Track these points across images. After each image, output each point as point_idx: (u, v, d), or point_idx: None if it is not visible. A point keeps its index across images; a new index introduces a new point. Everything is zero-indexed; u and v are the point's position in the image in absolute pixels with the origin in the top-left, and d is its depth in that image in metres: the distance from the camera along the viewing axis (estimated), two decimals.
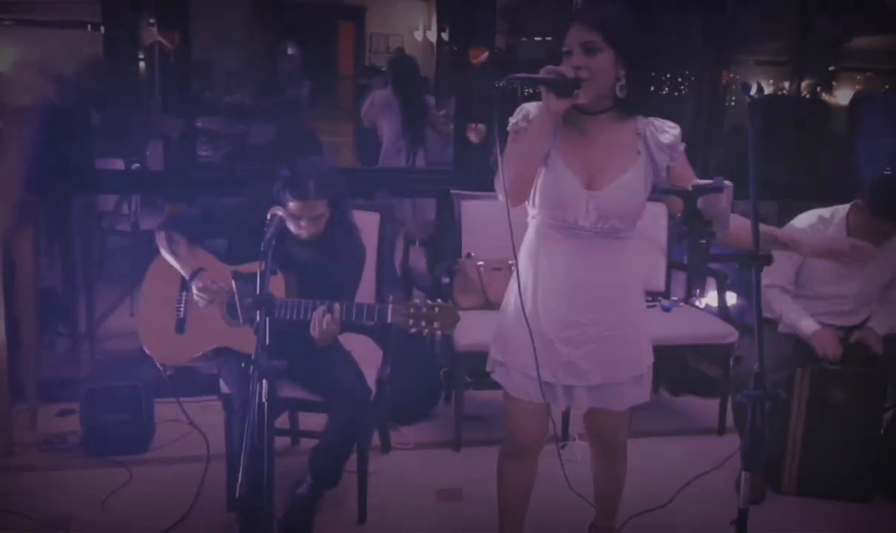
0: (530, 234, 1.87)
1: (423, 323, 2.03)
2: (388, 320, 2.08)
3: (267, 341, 1.66)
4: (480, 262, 3.06)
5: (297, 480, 2.37)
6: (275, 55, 6.75)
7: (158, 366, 2.41)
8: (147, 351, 2.39)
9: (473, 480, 2.70)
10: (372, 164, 5.17)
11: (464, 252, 3.12)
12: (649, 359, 1.92)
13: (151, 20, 6.55)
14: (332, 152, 6.52)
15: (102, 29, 6.55)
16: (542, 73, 1.65)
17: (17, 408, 2.91)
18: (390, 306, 2.08)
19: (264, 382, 1.63)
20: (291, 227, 2.22)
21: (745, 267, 1.51)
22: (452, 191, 3.22)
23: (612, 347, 1.83)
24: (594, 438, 2.10)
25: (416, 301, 2.08)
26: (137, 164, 4.75)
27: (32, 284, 2.95)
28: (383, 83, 5.20)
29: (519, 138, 1.77)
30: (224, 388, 2.40)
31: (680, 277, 3.50)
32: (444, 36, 7.89)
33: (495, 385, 1.95)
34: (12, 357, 2.81)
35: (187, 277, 2.32)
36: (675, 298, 3.33)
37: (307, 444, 2.63)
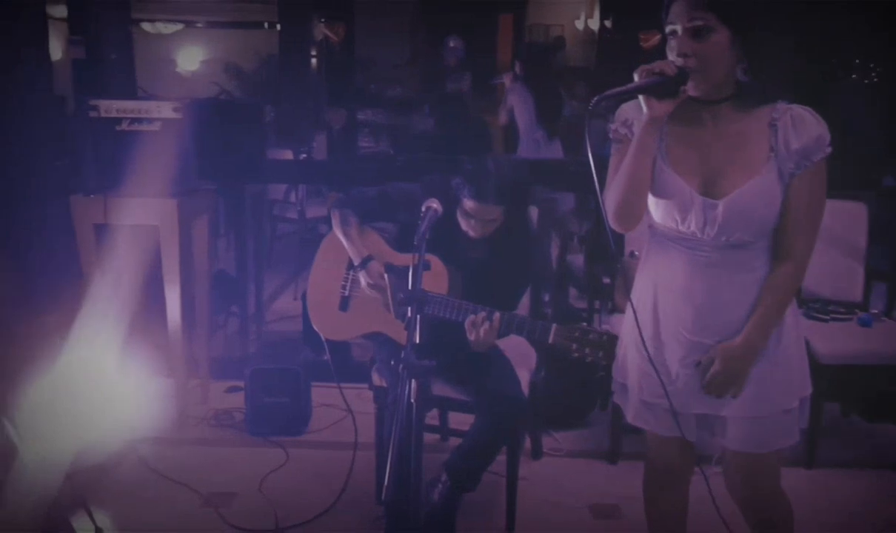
0: (649, 242, 1.62)
1: (588, 350, 1.89)
2: (549, 341, 1.95)
3: (417, 339, 1.60)
4: None
5: (430, 480, 2.27)
6: (437, 48, 6.86)
7: (322, 340, 2.39)
8: (312, 322, 2.42)
9: (631, 497, 2.48)
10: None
11: (627, 250, 2.90)
12: (803, 390, 1.57)
13: (323, 19, 6.87)
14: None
15: (279, 27, 6.98)
16: (637, 79, 1.38)
17: (192, 383, 3.11)
18: (553, 327, 1.94)
19: (413, 381, 1.57)
20: (461, 222, 2.15)
21: None
22: None
23: (749, 375, 1.52)
24: (742, 504, 1.70)
25: (585, 325, 1.94)
26: (304, 155, 4.97)
27: (208, 266, 3.14)
28: (515, 76, 5.20)
29: (621, 150, 1.52)
30: (377, 380, 2.39)
31: (880, 288, 3.05)
32: (608, 23, 7.59)
33: None
34: (188, 335, 3.00)
35: (356, 264, 2.31)
36: (874, 311, 2.90)
37: (456, 442, 2.56)
